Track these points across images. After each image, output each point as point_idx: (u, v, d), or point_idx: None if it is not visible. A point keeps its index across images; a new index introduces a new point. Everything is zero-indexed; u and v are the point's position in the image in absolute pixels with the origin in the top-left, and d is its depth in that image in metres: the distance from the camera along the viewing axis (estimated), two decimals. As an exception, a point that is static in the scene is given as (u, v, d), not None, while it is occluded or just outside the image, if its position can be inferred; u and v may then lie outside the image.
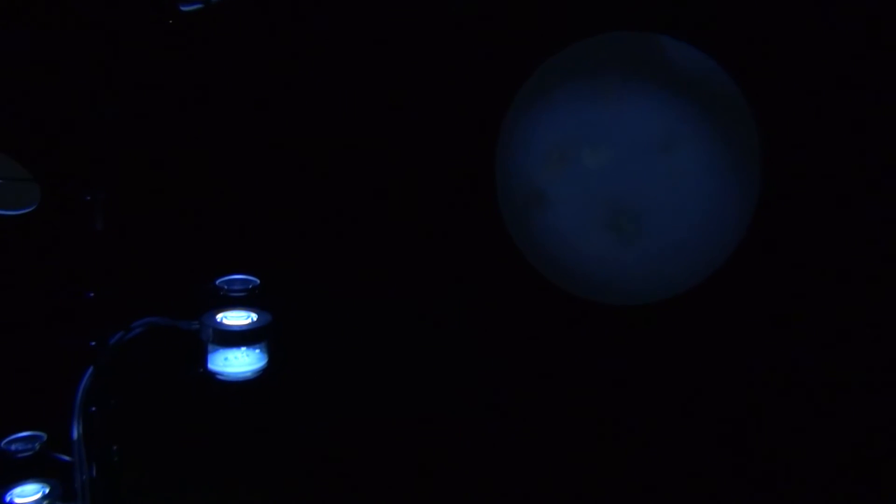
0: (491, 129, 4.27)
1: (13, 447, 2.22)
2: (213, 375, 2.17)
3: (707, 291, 4.12)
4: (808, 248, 4.10)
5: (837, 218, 4.05)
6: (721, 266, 3.93)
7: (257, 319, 2.20)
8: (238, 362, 2.17)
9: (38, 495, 2.20)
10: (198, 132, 5.00)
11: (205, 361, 2.17)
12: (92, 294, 2.19)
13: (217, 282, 2.19)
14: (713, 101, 3.71)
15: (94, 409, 2.16)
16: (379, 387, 5.03)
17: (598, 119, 3.72)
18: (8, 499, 2.17)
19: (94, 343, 2.16)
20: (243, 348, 2.18)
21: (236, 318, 2.19)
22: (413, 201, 4.78)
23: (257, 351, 2.20)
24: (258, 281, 2.22)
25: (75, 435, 2.12)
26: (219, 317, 2.17)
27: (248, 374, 2.19)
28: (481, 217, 4.40)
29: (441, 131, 4.53)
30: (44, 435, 2.25)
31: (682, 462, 4.27)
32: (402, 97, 4.49)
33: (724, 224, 3.80)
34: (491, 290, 4.64)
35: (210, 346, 2.16)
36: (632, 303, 4.07)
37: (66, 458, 2.16)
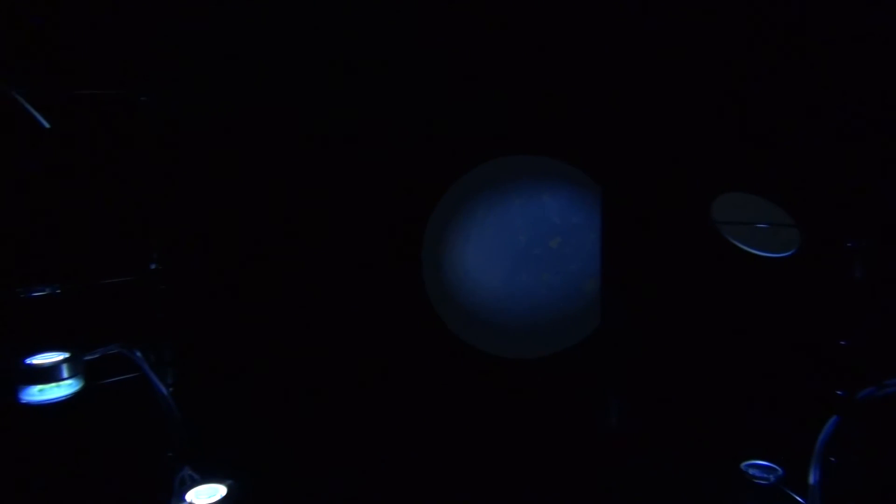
0: None
1: (751, 472, 2.36)
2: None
3: None
4: None
5: None
6: None
7: None
8: None
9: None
10: None
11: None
12: (844, 342, 2.15)
13: None
14: None
15: (833, 459, 2.12)
16: None
17: None
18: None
19: (841, 392, 2.12)
20: None
21: None
22: None
23: None
24: None
25: (813, 480, 2.12)
26: None
27: None
28: None
29: None
30: (782, 470, 2.31)
31: None
32: None
33: None
34: None
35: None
36: None
37: (801, 499, 2.18)
